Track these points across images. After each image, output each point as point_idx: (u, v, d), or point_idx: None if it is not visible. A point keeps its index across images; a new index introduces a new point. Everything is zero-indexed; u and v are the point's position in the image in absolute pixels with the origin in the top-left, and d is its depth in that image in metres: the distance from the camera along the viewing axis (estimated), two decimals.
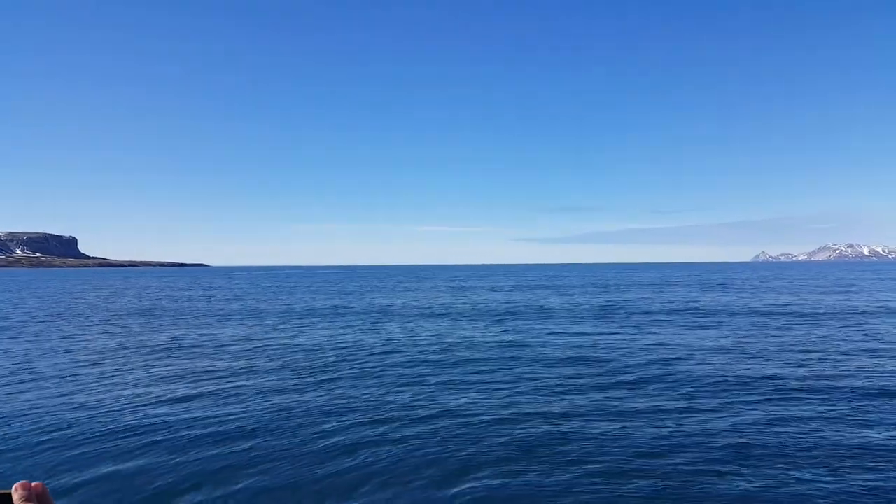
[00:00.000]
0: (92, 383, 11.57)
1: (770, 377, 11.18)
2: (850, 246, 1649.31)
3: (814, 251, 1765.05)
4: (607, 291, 42.16)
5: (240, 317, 25.26)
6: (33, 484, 0.94)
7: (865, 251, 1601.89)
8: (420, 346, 16.06)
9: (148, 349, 15.86)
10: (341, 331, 19.84)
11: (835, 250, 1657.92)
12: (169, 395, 10.43)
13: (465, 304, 31.47)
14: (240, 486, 6.28)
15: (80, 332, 19.74)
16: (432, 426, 8.25)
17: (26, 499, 0.91)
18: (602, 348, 15.13)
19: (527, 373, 12.07)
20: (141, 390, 10.93)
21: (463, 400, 9.69)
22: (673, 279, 67.87)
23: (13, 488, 0.92)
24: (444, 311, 27.35)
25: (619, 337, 17.33)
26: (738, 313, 24.38)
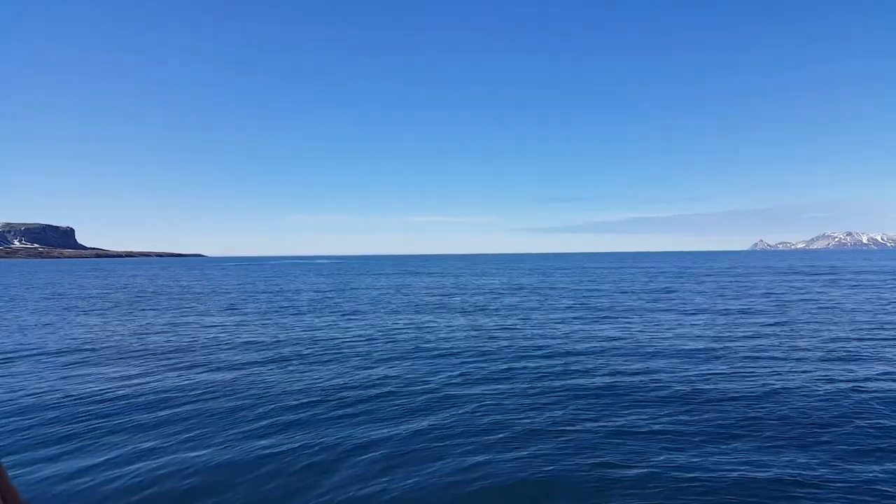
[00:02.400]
0: (68, 368, 12.23)
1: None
2: (849, 234, 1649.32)
3: (812, 239, 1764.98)
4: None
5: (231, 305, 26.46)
6: None
7: (864, 239, 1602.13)
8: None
9: (129, 335, 17.07)
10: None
11: (833, 238, 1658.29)
12: (138, 374, 11.29)
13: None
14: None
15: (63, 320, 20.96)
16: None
17: None
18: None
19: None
20: (111, 371, 11.87)
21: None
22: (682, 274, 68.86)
23: None
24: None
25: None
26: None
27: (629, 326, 18.05)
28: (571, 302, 27.09)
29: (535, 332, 17.25)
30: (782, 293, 29.69)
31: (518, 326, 18.57)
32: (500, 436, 7.58)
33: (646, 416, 8.37)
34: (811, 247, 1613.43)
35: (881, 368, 11.33)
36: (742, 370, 11.36)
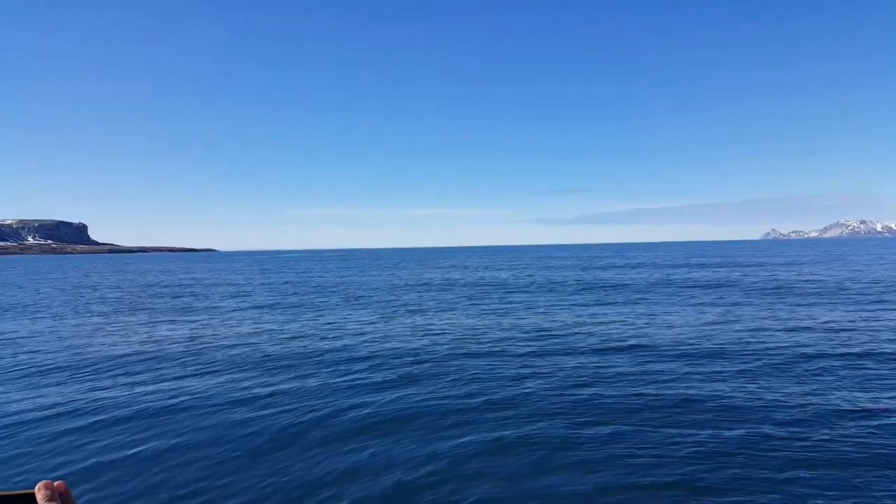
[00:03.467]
0: (100, 374, 11.19)
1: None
2: (863, 222, 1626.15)
3: (825, 228, 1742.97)
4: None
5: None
6: (56, 483, 0.95)
7: (878, 227, 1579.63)
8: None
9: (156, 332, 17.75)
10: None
11: (847, 227, 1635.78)
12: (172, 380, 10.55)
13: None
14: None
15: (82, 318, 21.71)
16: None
17: (49, 498, 0.91)
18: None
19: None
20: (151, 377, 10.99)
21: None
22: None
23: (36, 488, 0.92)
24: None
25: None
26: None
27: (617, 313, 18.44)
28: (572, 290, 27.48)
29: (536, 318, 17.70)
30: (779, 280, 29.84)
31: (520, 314, 19.01)
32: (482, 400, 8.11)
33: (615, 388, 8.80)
34: (824, 235, 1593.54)
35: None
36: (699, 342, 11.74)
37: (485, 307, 20.08)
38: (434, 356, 11.48)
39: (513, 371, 9.98)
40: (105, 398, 8.81)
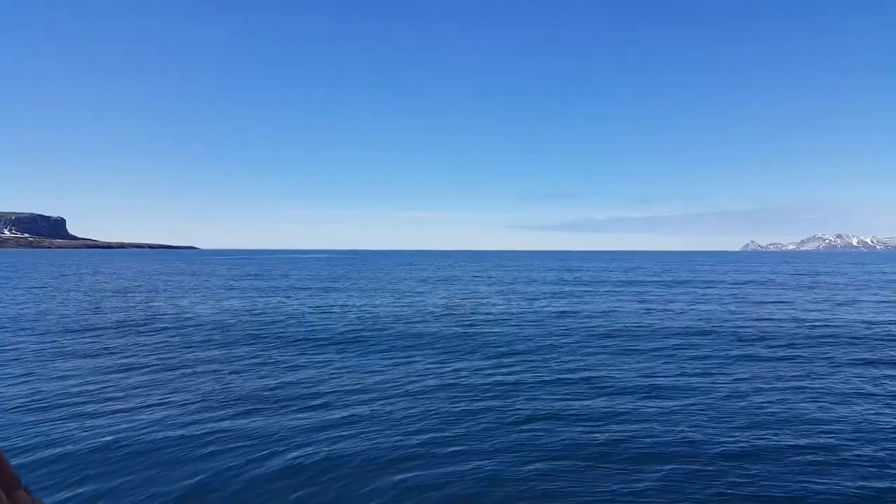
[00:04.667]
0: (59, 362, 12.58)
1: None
2: (839, 236, 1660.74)
3: (803, 241, 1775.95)
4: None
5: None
6: None
7: (854, 241, 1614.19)
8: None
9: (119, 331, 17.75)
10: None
11: (824, 240, 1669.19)
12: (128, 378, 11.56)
13: None
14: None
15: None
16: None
17: None
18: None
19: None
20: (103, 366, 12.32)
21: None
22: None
23: None
24: None
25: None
26: None
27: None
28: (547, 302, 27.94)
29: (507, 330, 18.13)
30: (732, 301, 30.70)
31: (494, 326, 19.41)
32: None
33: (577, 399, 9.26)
34: (802, 248, 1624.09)
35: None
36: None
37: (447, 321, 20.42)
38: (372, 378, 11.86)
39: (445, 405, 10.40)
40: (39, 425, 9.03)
